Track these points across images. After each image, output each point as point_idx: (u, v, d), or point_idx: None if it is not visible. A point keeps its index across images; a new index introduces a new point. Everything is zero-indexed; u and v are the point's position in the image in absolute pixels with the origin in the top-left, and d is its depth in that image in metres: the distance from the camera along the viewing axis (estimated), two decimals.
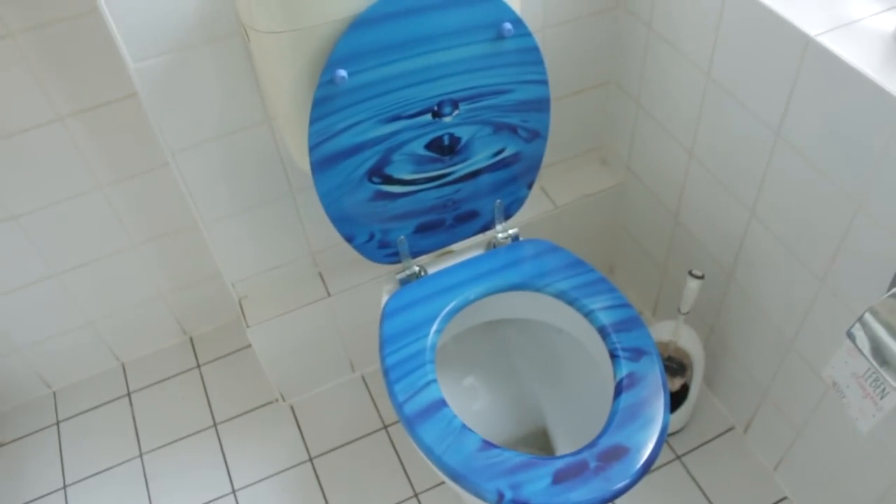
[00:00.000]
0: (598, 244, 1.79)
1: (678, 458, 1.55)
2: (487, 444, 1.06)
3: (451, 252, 1.38)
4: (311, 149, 1.12)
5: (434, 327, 1.22)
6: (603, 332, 1.19)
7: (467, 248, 1.36)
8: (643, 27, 1.39)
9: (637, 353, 1.15)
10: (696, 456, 1.55)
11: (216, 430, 1.69)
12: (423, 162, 1.20)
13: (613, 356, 1.15)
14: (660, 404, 1.09)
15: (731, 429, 1.58)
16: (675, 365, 1.46)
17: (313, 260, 1.57)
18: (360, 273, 1.58)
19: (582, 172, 1.69)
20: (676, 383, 1.47)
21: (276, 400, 1.73)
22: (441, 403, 1.12)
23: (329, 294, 1.56)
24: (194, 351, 1.84)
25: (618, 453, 1.04)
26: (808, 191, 1.13)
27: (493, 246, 1.35)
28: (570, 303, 1.24)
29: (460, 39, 1.11)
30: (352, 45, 1.05)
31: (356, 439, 1.65)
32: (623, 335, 1.17)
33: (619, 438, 1.05)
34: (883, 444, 1.17)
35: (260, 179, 1.38)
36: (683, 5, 1.26)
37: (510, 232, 1.35)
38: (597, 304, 1.22)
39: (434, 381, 1.15)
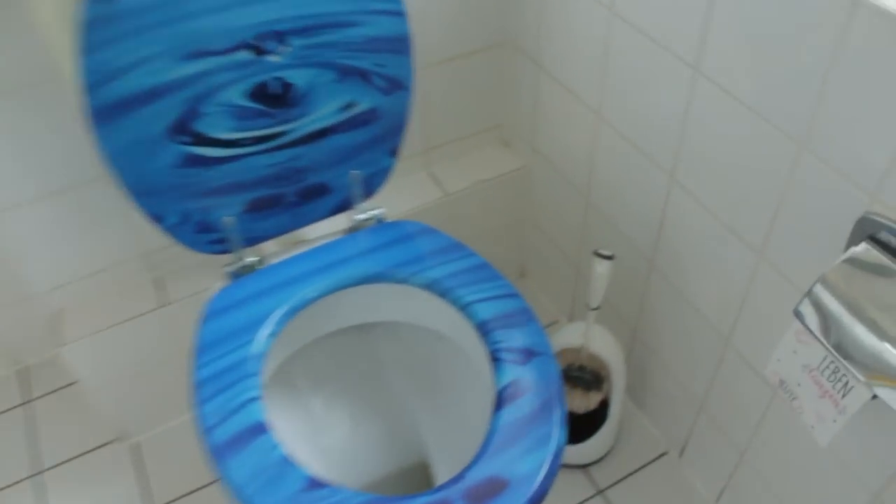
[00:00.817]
0: (504, 243, 1.52)
1: (600, 492, 1.27)
2: (315, 483, 0.77)
3: (303, 241, 1.09)
4: (87, 91, 0.83)
5: (264, 331, 0.94)
6: (483, 328, 0.91)
7: (323, 236, 1.08)
8: None
9: (525, 355, 0.87)
10: (623, 489, 1.27)
11: (40, 478, 1.37)
12: (246, 116, 0.92)
13: (495, 359, 0.88)
14: (553, 418, 0.81)
15: (663, 454, 1.31)
16: (589, 376, 1.18)
17: (147, 262, 1.28)
18: (207, 277, 1.28)
19: (479, 155, 1.42)
20: (593, 400, 1.19)
21: (116, 439, 1.42)
22: (260, 428, 0.83)
23: (167, 303, 1.26)
24: (23, 384, 1.52)
25: (493, 488, 0.76)
26: (736, 136, 0.88)
27: (354, 231, 1.07)
28: (443, 294, 0.96)
29: None
30: None
31: (208, 485, 1.34)
32: (507, 332, 0.90)
33: (494, 468, 0.78)
34: (844, 460, 0.90)
35: (64, 154, 1.09)
36: None
37: (373, 213, 1.07)
38: (475, 294, 0.94)
39: (256, 399, 0.87)
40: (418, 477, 1.13)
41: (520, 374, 0.85)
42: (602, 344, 1.16)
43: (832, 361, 0.72)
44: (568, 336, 1.18)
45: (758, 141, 0.85)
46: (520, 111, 1.34)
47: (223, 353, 0.92)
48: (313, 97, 0.95)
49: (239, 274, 1.02)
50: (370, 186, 1.06)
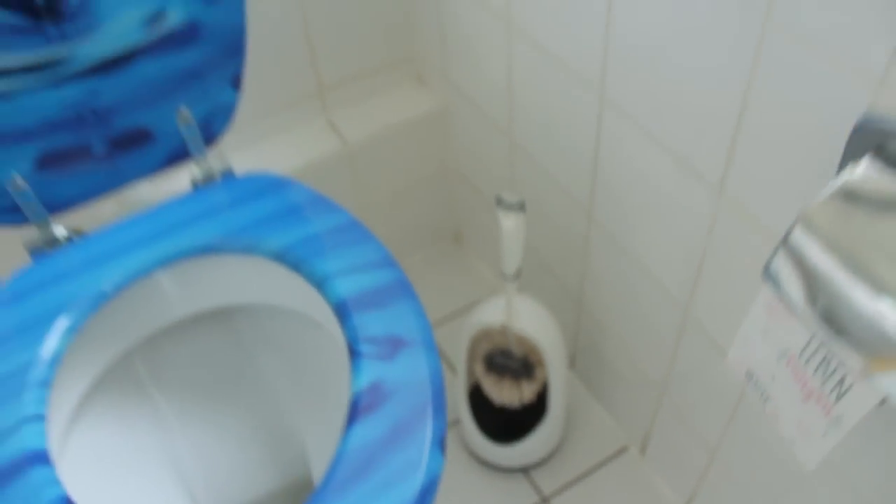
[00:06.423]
0: (428, 202, 1.27)
1: (545, 500, 1.03)
2: None
3: (141, 202, 0.84)
4: None
5: (59, 325, 0.69)
6: (341, 310, 0.66)
7: (164, 196, 0.83)
8: None
9: (391, 346, 0.62)
10: (573, 494, 1.03)
11: None
12: (2, 35, 0.67)
13: (353, 352, 0.63)
14: (422, 438, 0.57)
15: (622, 450, 1.07)
16: (517, 364, 0.94)
17: None
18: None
19: (389, 94, 1.17)
20: (527, 391, 0.95)
21: None
22: (33, 459, 0.60)
23: None
24: None
25: None
26: (673, 23, 0.62)
27: (195, 188, 0.82)
28: (296, 266, 0.71)
29: None
30: None
31: None
32: (371, 315, 0.65)
33: None
34: (836, 465, 0.66)
35: None
36: None
37: (216, 167, 0.82)
38: (334, 264, 0.69)
39: (35, 418, 0.64)
40: (304, 497, 0.88)
41: (382, 374, 0.61)
42: (530, 322, 0.91)
43: (820, 347, 0.48)
44: (487, 313, 0.92)
45: (704, 30, 0.59)
46: (428, 36, 1.08)
47: (3, 354, 0.67)
48: (99, 6, 0.69)
49: (42, 251, 0.77)
50: (209, 129, 0.81)
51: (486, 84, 0.99)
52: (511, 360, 0.93)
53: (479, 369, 0.96)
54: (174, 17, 0.72)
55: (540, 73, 0.85)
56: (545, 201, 0.96)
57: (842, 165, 0.50)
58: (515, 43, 0.87)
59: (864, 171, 0.47)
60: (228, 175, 0.82)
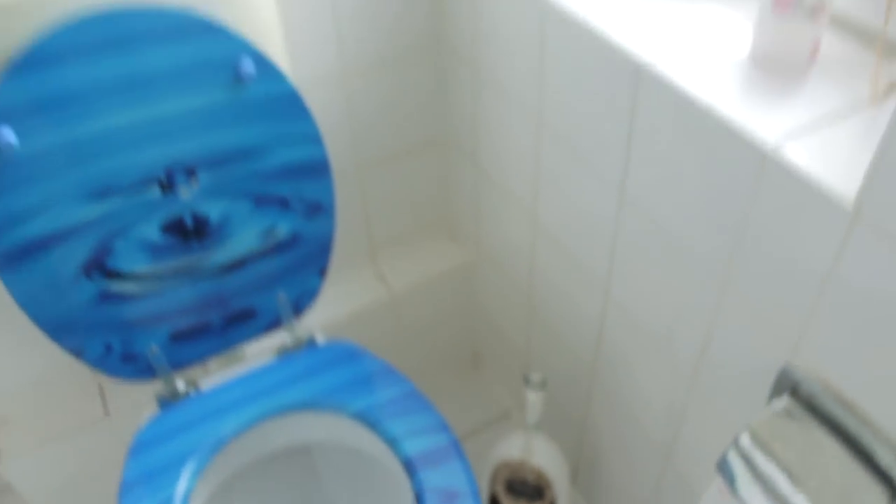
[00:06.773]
0: (454, 334, 1.49)
1: None
2: None
3: (237, 359, 1.07)
4: None
5: (189, 467, 0.91)
6: (409, 466, 0.88)
7: (256, 355, 1.05)
8: (467, 69, 1.12)
9: (448, 498, 0.84)
10: None
11: None
12: (161, 250, 0.90)
13: (419, 500, 0.85)
14: None
15: None
16: (532, 490, 1.15)
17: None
18: (150, 385, 1.25)
19: (426, 250, 1.40)
20: None
21: None
22: None
23: (107, 413, 1.23)
24: None
25: None
26: (661, 264, 0.86)
27: (285, 352, 1.05)
28: (373, 425, 0.94)
29: (184, 84, 0.82)
30: (16, 96, 0.76)
31: None
32: (432, 472, 0.87)
33: None
34: None
35: None
36: (504, 39, 1.00)
37: (303, 334, 1.05)
38: (403, 427, 0.92)
39: None
40: None
41: None
42: (544, 456, 1.13)
43: None
44: (508, 449, 1.15)
45: (679, 270, 0.83)
46: (462, 207, 1.32)
47: (147, 493, 0.89)
48: (230, 227, 0.93)
49: (168, 401, 1.00)
50: (299, 307, 1.04)
51: (510, 251, 1.22)
52: (526, 486, 1.15)
53: (500, 490, 1.17)
54: (282, 231, 0.96)
55: (557, 260, 1.08)
56: (555, 350, 1.19)
57: (773, 393, 0.73)
58: (539, 235, 1.10)
59: (784, 404, 0.70)
60: (311, 341, 1.05)
